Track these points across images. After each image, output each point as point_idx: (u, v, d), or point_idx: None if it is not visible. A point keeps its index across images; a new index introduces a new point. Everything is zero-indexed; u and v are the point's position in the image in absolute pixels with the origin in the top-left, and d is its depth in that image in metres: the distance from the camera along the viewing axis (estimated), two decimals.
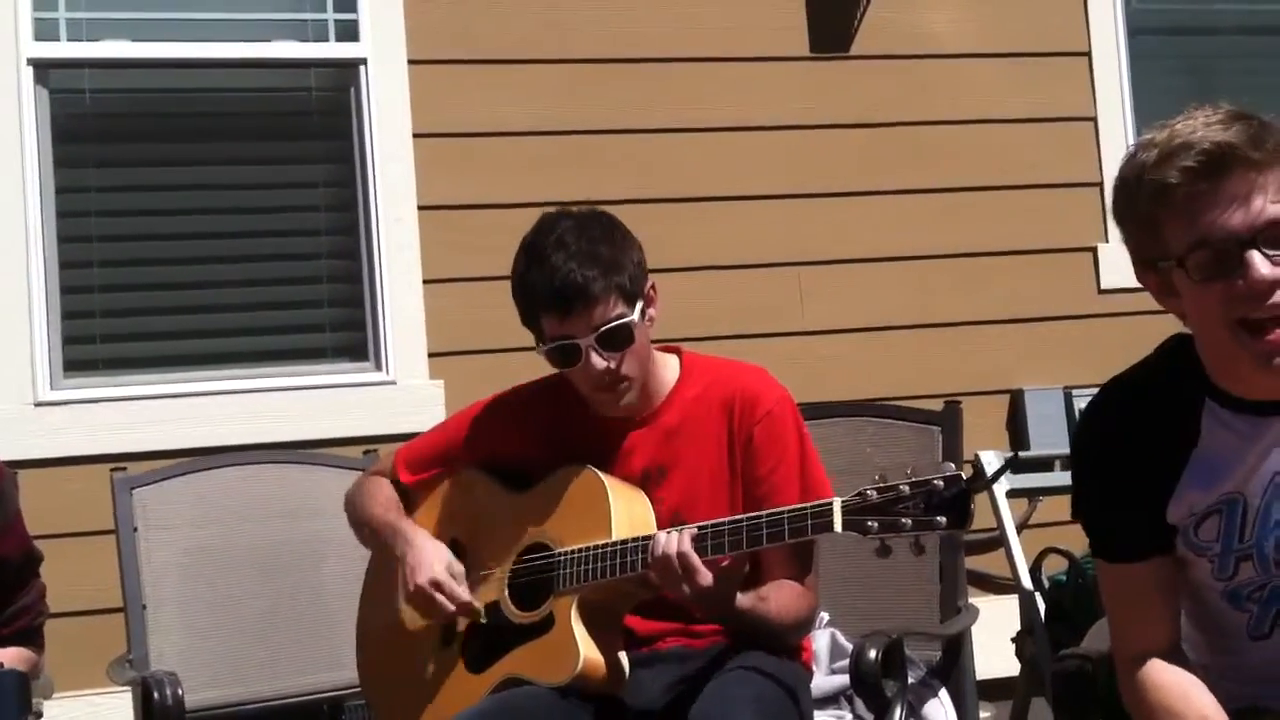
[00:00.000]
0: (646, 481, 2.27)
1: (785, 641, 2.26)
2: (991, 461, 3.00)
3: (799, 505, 2.07)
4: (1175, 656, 1.77)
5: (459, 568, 2.28)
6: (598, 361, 2.18)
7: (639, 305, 2.23)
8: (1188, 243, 1.64)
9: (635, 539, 2.15)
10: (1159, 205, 1.65)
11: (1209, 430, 1.72)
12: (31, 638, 2.44)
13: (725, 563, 2.09)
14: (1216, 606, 1.78)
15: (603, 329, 2.18)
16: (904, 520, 1.94)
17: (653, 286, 2.27)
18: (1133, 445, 1.74)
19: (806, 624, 2.31)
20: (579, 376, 2.23)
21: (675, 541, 2.07)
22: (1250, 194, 1.61)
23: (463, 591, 2.23)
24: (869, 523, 1.97)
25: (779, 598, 2.22)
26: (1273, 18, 4.59)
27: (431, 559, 2.25)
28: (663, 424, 2.29)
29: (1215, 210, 1.62)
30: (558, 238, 2.19)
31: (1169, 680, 1.74)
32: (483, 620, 2.26)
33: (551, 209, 2.30)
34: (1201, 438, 1.72)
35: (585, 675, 2.14)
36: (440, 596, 2.22)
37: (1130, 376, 1.80)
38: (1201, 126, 1.63)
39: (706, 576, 2.06)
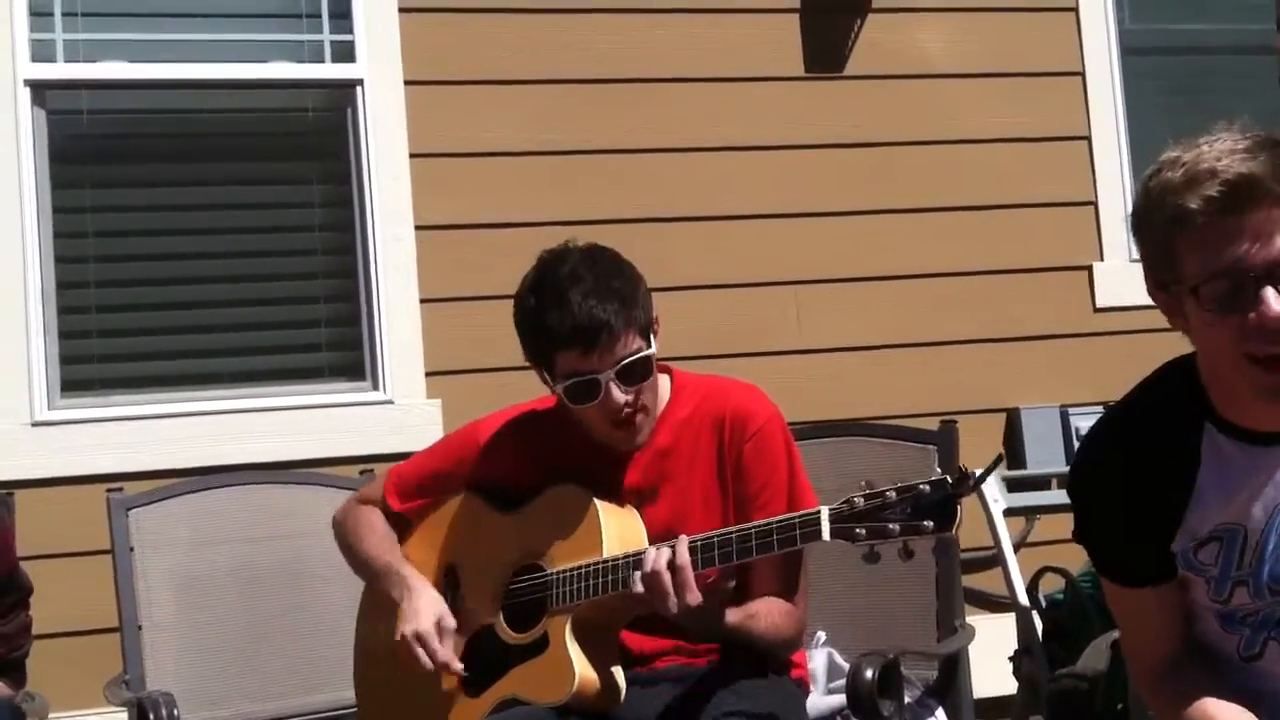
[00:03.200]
0: (639, 500, 2.27)
1: (772, 656, 2.26)
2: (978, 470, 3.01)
3: (787, 515, 2.08)
4: (1190, 663, 1.78)
5: (450, 623, 2.27)
6: (618, 396, 2.18)
7: (651, 339, 2.24)
8: (1203, 272, 1.62)
9: (626, 555, 2.15)
10: (1177, 230, 1.63)
11: (1208, 458, 1.72)
12: (7, 671, 2.41)
13: (711, 577, 2.09)
14: (1211, 628, 1.78)
15: (622, 363, 2.18)
16: (891, 526, 1.95)
17: (657, 319, 2.28)
18: (1133, 478, 1.74)
19: (794, 642, 2.32)
20: (595, 413, 2.22)
21: (664, 556, 2.07)
22: (1271, 231, 1.59)
23: (444, 651, 2.24)
24: (857, 530, 1.97)
25: (768, 615, 2.22)
26: (1265, 38, 4.60)
27: (422, 611, 2.26)
28: (654, 445, 2.29)
29: (1234, 243, 1.59)
30: (571, 273, 2.18)
31: (1212, 708, 1.73)
32: (465, 674, 2.26)
33: (549, 245, 2.28)
34: (1202, 466, 1.72)
35: (581, 694, 2.15)
36: (422, 653, 2.23)
37: (1127, 405, 1.80)
38: (1228, 153, 1.61)
39: (695, 594, 2.06)
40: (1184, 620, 1.79)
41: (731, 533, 2.09)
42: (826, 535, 2.00)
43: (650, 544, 2.18)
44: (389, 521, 2.43)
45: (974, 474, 1.94)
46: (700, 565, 2.09)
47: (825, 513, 2.01)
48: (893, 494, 1.96)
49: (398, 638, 2.26)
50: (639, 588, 2.09)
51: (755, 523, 2.09)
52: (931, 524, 1.93)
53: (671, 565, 2.06)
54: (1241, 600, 1.74)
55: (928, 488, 1.94)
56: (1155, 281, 1.70)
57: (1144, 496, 1.73)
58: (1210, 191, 1.59)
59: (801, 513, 2.06)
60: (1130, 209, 1.73)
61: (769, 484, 2.24)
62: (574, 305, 2.14)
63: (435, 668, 2.24)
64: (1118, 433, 1.78)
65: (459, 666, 2.25)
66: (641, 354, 2.19)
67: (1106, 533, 1.79)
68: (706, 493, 2.26)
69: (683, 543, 2.09)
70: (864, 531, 1.96)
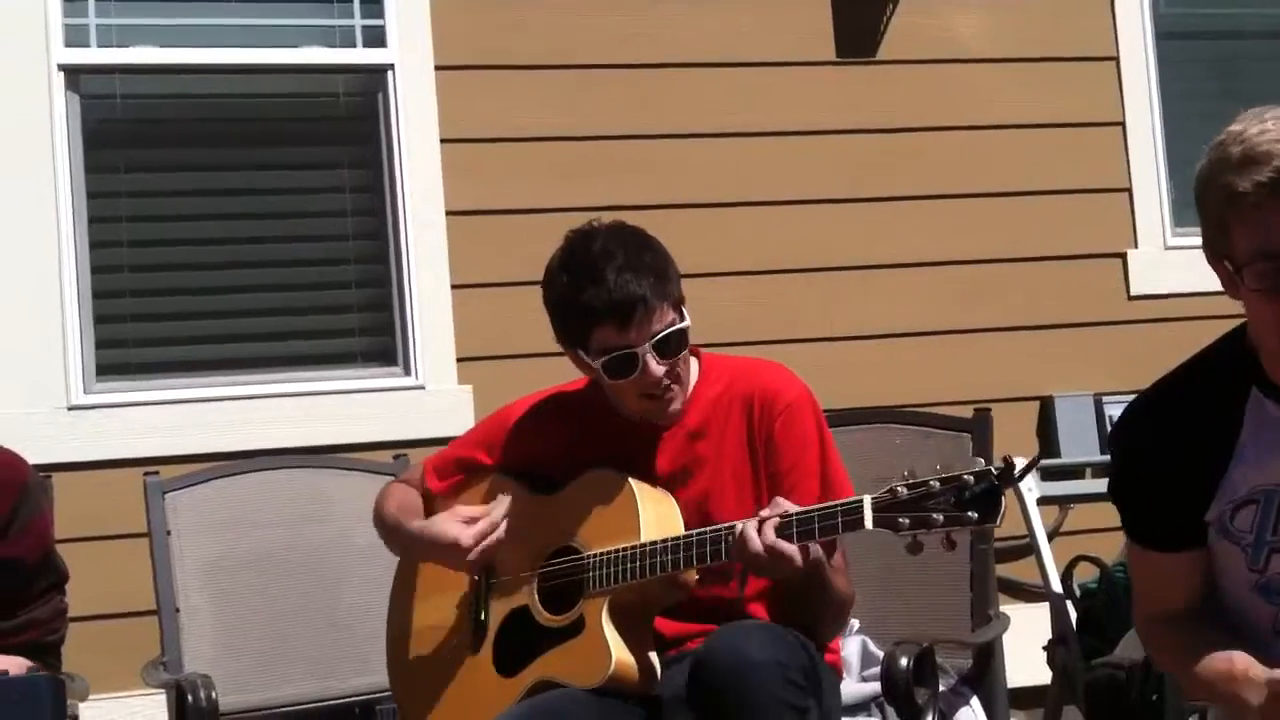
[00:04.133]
0: (672, 483, 2.28)
1: (833, 621, 2.26)
2: (1021, 461, 3.01)
3: (829, 503, 2.07)
4: (1197, 614, 1.79)
5: (471, 512, 2.30)
6: (656, 368, 2.20)
7: (683, 311, 2.26)
8: (1250, 251, 1.64)
9: (665, 540, 2.16)
10: (1229, 206, 1.65)
11: (1251, 420, 1.72)
12: (41, 654, 2.42)
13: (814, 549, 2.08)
14: (1246, 599, 1.77)
15: (659, 336, 2.20)
16: (935, 516, 1.94)
17: (684, 298, 2.29)
18: (1175, 436, 1.75)
19: (848, 609, 2.30)
20: (630, 387, 2.23)
21: (758, 538, 2.05)
22: None
23: (477, 535, 2.25)
24: (900, 519, 1.97)
25: (843, 576, 2.23)
26: None
27: (443, 527, 2.28)
28: (686, 425, 2.30)
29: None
30: (602, 250, 2.20)
31: (1192, 627, 1.76)
32: (490, 655, 2.28)
33: (577, 221, 2.30)
34: (1244, 428, 1.72)
35: (618, 677, 2.15)
36: (477, 543, 2.25)
37: (1177, 370, 1.81)
38: None
39: (796, 558, 2.05)
40: (1201, 592, 1.80)
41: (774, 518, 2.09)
42: (869, 524, 1.99)
43: (686, 524, 2.20)
44: (425, 504, 2.43)
45: (1020, 465, 1.94)
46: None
47: (868, 501, 2.01)
48: (936, 484, 1.95)
49: (462, 549, 2.25)
50: (738, 562, 2.08)
51: (796, 510, 2.09)
52: (976, 515, 1.92)
53: (767, 542, 2.05)
54: (1278, 568, 1.73)
55: (972, 478, 1.93)
56: (1212, 251, 1.72)
57: (1184, 455, 1.74)
58: (1261, 176, 1.61)
59: (844, 500, 2.06)
60: (1194, 176, 1.74)
61: (800, 460, 2.25)
62: (610, 280, 2.16)
63: (489, 547, 2.25)
64: (1164, 392, 1.79)
65: (504, 520, 2.26)
66: (677, 326, 2.22)
67: (1141, 490, 1.79)
68: (738, 472, 2.27)
69: (767, 524, 2.07)
70: (907, 521, 1.96)
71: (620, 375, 2.22)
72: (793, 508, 2.09)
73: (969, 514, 1.92)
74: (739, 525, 2.09)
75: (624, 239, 2.23)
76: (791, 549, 2.04)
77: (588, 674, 2.17)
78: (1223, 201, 1.65)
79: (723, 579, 2.24)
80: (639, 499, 2.22)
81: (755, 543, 2.05)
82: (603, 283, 2.17)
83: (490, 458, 2.40)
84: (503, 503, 2.31)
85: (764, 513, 2.09)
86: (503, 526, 2.29)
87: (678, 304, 2.24)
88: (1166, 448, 1.76)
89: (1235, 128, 1.67)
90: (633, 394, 2.25)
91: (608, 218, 2.29)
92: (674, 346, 2.22)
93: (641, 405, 2.26)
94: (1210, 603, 1.81)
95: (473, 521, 2.29)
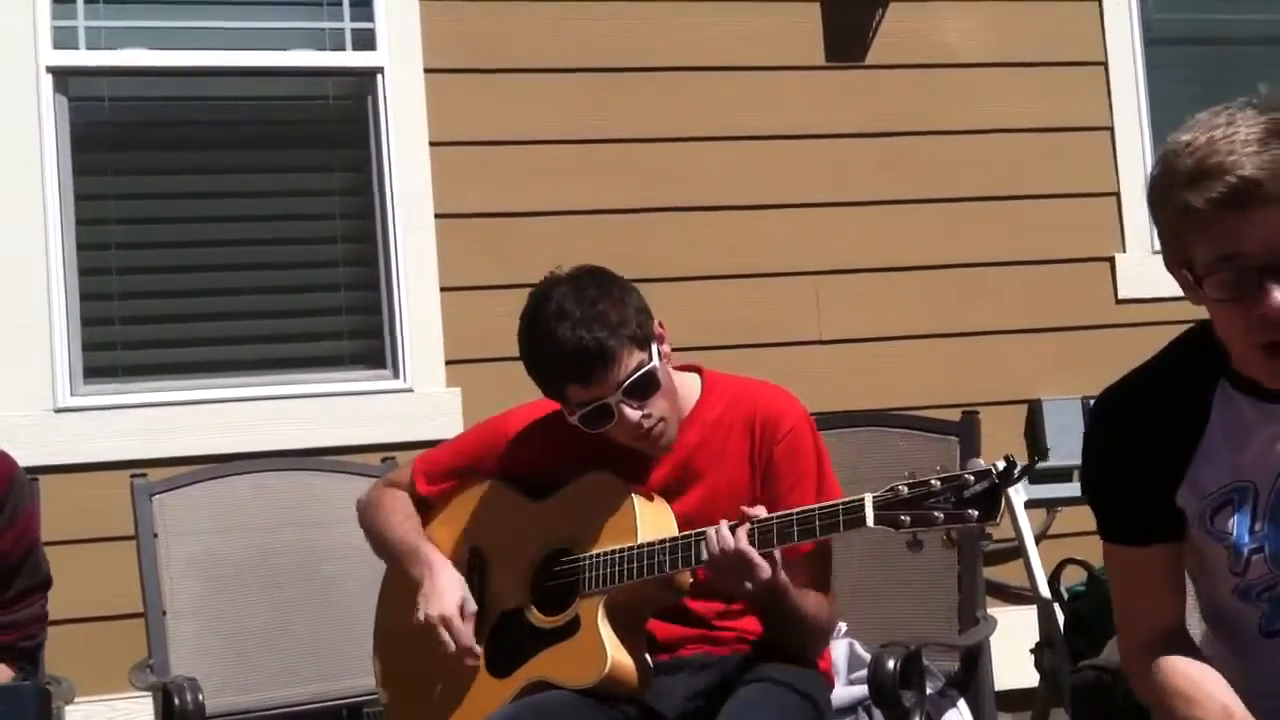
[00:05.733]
0: (665, 496, 2.29)
1: (812, 644, 2.27)
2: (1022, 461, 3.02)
3: (831, 502, 2.09)
4: (1182, 641, 1.78)
5: (472, 606, 2.29)
6: (631, 415, 2.20)
7: (653, 348, 2.24)
8: (1208, 263, 1.63)
9: (662, 540, 2.17)
10: (1183, 220, 1.65)
11: (1220, 411, 1.73)
12: (17, 659, 2.41)
13: (777, 555, 2.10)
14: (1230, 604, 1.77)
15: (627, 383, 2.19)
16: (936, 514, 1.96)
17: (660, 324, 2.28)
18: (1143, 424, 1.75)
19: (828, 633, 2.33)
20: (616, 432, 2.24)
21: (730, 537, 2.08)
22: (1276, 225, 1.59)
23: (467, 635, 2.25)
24: (901, 516, 1.98)
25: (814, 598, 2.24)
26: None
27: (445, 593, 2.27)
28: (684, 443, 2.30)
29: (1237, 238, 1.61)
30: (557, 308, 2.19)
31: (1183, 667, 1.74)
32: (483, 659, 2.27)
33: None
34: (1211, 420, 1.73)
35: (613, 677, 2.16)
36: (446, 635, 2.25)
37: (1147, 362, 1.82)
38: (1239, 145, 1.60)
39: (765, 569, 2.07)
40: (1181, 602, 1.79)
41: (773, 518, 2.10)
42: (871, 522, 2.01)
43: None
44: (414, 505, 2.44)
45: (1020, 464, 1.95)
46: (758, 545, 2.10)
47: (870, 499, 2.02)
48: (937, 482, 1.97)
49: (420, 619, 2.27)
50: (703, 567, 2.10)
51: (798, 509, 2.10)
52: (976, 514, 1.94)
53: (739, 545, 2.07)
54: (1258, 572, 1.73)
55: (972, 477, 1.95)
56: (1171, 259, 1.72)
57: (1152, 442, 1.74)
58: (1213, 193, 1.60)
59: (845, 499, 2.06)
60: (1146, 187, 1.74)
61: (799, 485, 2.25)
62: (563, 341, 2.16)
63: (459, 651, 2.25)
64: (1133, 382, 1.80)
65: (479, 651, 2.26)
66: (643, 369, 2.20)
67: (1112, 477, 1.79)
68: (734, 492, 2.27)
69: (735, 525, 2.09)
70: (908, 519, 1.98)
71: (598, 426, 2.23)
72: (762, 513, 2.09)
73: (969, 512, 1.94)
74: (711, 528, 2.10)
75: (579, 291, 2.20)
76: (758, 558, 2.05)
77: (583, 674, 2.17)
78: (1177, 214, 1.64)
79: (707, 595, 2.25)
80: (636, 501, 2.22)
81: (727, 542, 2.06)
82: (558, 343, 2.17)
83: (483, 466, 2.40)
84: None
85: (744, 516, 2.09)
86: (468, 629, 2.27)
87: (645, 342, 2.22)
88: (1135, 433, 1.76)
89: (1184, 137, 1.65)
90: (622, 437, 2.25)
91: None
92: (645, 389, 2.21)
93: (635, 444, 2.27)
94: (1214, 620, 1.79)
95: (464, 610, 2.27)
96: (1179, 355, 1.79)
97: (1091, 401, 4.33)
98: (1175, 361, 1.78)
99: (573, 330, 2.16)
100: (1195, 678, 1.73)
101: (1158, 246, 1.71)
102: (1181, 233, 1.66)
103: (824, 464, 2.30)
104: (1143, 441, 1.75)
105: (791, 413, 2.30)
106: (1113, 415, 1.80)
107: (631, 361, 2.19)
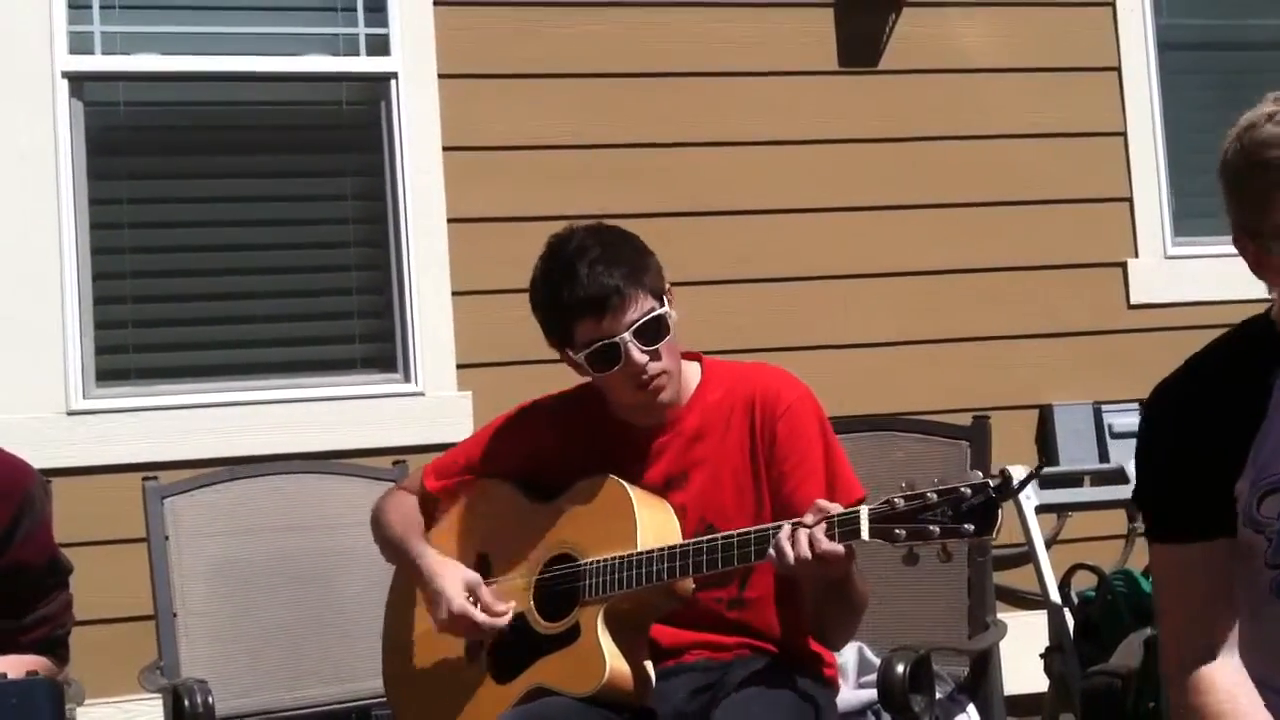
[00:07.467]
0: (669, 485, 2.28)
1: (854, 622, 2.24)
2: (1019, 473, 3.01)
3: (828, 514, 2.05)
4: (1230, 662, 1.73)
5: (475, 577, 2.29)
6: (638, 355, 2.21)
7: (665, 301, 2.27)
8: None
9: (664, 549, 2.16)
10: (1271, 178, 1.66)
11: (1278, 399, 1.71)
12: (53, 648, 2.41)
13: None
14: (1266, 605, 1.74)
15: (638, 324, 2.21)
16: (931, 528, 1.94)
17: (669, 290, 2.30)
18: (1204, 414, 1.74)
19: (863, 611, 2.27)
20: (618, 379, 2.24)
21: (805, 545, 2.02)
22: None
23: (487, 618, 2.25)
24: (896, 530, 1.96)
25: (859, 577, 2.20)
26: None
27: (448, 589, 2.27)
28: (685, 428, 2.30)
29: None
30: (577, 247, 2.24)
31: (1230, 694, 1.70)
32: (485, 670, 2.28)
33: (576, 223, 2.33)
34: (1271, 406, 1.71)
35: (612, 685, 2.15)
36: (469, 628, 2.26)
37: (1203, 352, 1.80)
38: None
39: (839, 554, 2.01)
40: (1231, 619, 1.74)
41: (768, 529, 2.09)
42: (865, 535, 1.99)
43: (684, 529, 2.21)
44: (423, 508, 2.44)
45: (1016, 479, 1.93)
46: (736, 561, 2.10)
47: (865, 512, 2.01)
48: (933, 495, 1.95)
49: (435, 627, 2.27)
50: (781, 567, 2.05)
51: (791, 520, 2.08)
52: (972, 528, 1.92)
53: (818, 550, 2.02)
54: None
55: (969, 490, 1.93)
56: (1244, 229, 1.72)
57: (1213, 428, 1.72)
58: None
59: (840, 512, 2.05)
60: (1220, 156, 1.74)
61: (804, 461, 2.24)
62: (583, 275, 2.20)
63: (489, 631, 2.25)
64: (1191, 369, 1.79)
65: (507, 617, 2.26)
66: (655, 313, 2.23)
67: (1171, 468, 1.76)
68: (738, 477, 2.27)
69: (816, 529, 2.03)
70: (903, 533, 1.96)
71: (605, 367, 2.23)
72: (835, 508, 2.05)
73: (965, 526, 1.92)
74: (756, 531, 2.08)
75: (599, 235, 2.27)
76: (837, 548, 2.02)
77: (581, 682, 2.17)
78: (1264, 172, 1.66)
79: (720, 582, 2.24)
80: (636, 507, 2.22)
81: (804, 550, 2.02)
82: (577, 277, 2.20)
83: (487, 464, 2.41)
84: (502, 616, 2.27)
85: (808, 518, 2.05)
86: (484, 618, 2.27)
87: (657, 294, 2.26)
88: (1195, 420, 1.74)
89: (1264, 109, 1.69)
90: (622, 387, 2.25)
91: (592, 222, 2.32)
92: (655, 333, 2.23)
93: (634, 398, 2.26)
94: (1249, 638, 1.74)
95: (473, 595, 2.27)
96: (1237, 342, 1.78)
97: (1103, 407, 4.34)
98: (1234, 348, 1.77)
99: (591, 267, 2.20)
100: (1243, 710, 1.70)
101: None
102: (1266, 194, 1.67)
103: (831, 443, 2.28)
104: (1204, 428, 1.73)
105: (791, 390, 2.29)
106: (1172, 406, 1.78)
107: (645, 304, 2.22)
